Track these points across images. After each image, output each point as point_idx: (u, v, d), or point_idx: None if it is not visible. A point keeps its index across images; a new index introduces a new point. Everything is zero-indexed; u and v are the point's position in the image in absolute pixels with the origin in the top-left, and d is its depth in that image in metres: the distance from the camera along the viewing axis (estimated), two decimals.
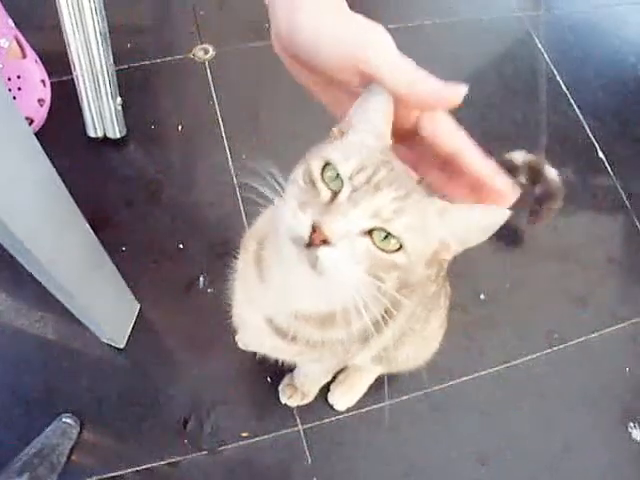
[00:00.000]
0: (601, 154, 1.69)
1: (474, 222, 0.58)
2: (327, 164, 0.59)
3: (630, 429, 1.35)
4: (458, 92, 0.56)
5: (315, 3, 0.61)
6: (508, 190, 0.59)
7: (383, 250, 0.56)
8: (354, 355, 0.82)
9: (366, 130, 0.60)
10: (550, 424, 1.34)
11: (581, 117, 1.74)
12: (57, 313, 1.26)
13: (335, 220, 0.54)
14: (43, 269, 0.92)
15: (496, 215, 0.57)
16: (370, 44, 0.59)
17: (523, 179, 1.37)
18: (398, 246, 0.56)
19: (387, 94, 0.58)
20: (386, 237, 0.56)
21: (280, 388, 1.26)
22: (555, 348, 1.41)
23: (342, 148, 0.60)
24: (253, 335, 0.88)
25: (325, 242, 0.54)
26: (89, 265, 1.08)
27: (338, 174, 0.57)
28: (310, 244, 0.55)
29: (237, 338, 1.22)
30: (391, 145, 0.61)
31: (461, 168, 0.60)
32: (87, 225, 1.03)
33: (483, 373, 1.36)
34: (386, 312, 0.64)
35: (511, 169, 1.35)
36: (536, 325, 1.43)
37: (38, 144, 0.82)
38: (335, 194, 0.57)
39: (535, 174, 1.36)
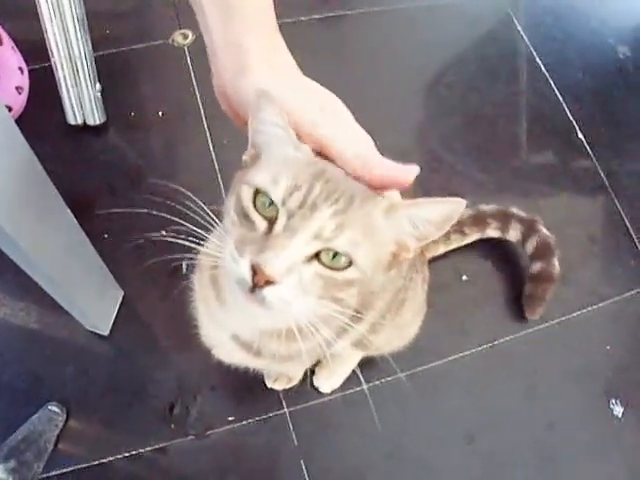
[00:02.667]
0: (581, 135, 1.70)
1: (426, 217, 0.55)
2: (258, 191, 0.55)
3: (612, 405, 1.37)
4: (410, 174, 0.55)
5: (266, 63, 0.59)
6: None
7: (335, 269, 0.54)
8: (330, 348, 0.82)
9: (281, 142, 0.57)
10: (534, 401, 1.35)
11: (561, 98, 1.75)
12: (41, 302, 1.26)
13: (274, 257, 0.52)
14: (25, 256, 0.92)
15: (450, 207, 0.54)
16: (328, 115, 0.57)
17: (518, 233, 1.41)
18: (349, 262, 0.54)
19: (275, 105, 0.55)
20: (335, 255, 0.54)
21: (265, 372, 1.26)
22: (538, 327, 1.42)
23: (268, 168, 0.57)
24: (222, 351, 0.86)
25: (269, 282, 0.52)
26: (72, 252, 1.07)
27: (272, 200, 0.54)
28: (255, 285, 0.53)
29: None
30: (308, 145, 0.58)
31: None
32: (69, 212, 1.02)
33: (467, 353, 1.38)
34: (356, 313, 0.64)
35: (504, 219, 1.40)
36: (518, 304, 1.44)
37: (18, 130, 0.81)
38: (272, 222, 0.54)
39: (529, 228, 1.40)
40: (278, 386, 1.26)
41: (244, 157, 0.62)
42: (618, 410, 1.36)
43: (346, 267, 0.54)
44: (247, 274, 0.53)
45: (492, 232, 1.41)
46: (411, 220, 0.56)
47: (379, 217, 0.56)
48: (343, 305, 0.58)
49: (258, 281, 0.52)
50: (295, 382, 1.26)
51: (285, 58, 0.62)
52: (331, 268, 0.54)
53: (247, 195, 0.56)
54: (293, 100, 0.57)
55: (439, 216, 0.55)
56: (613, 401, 1.37)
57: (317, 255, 0.54)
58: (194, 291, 0.82)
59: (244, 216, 0.56)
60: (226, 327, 0.77)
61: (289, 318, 0.60)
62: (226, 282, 0.69)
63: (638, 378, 1.41)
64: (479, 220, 1.39)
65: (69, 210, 1.02)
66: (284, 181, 0.54)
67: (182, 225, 0.60)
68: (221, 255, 0.57)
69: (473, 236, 1.40)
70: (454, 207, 0.54)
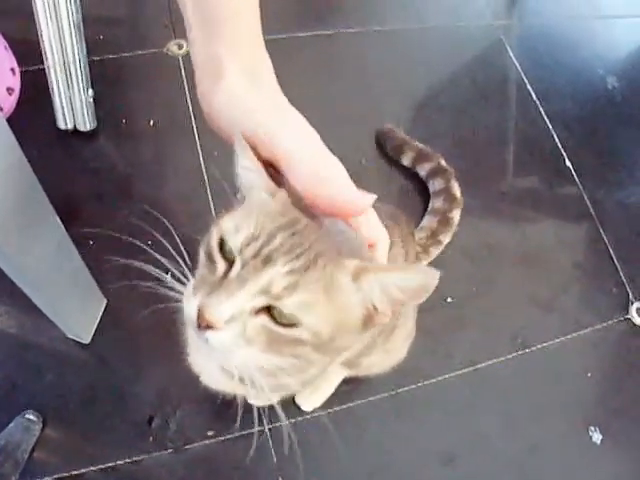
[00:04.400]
0: (568, 163, 1.72)
1: (399, 285, 0.53)
2: (222, 237, 0.55)
3: (591, 432, 1.37)
4: (364, 203, 0.55)
5: (241, 78, 0.57)
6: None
7: (283, 325, 0.52)
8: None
9: (253, 186, 0.57)
10: (514, 426, 1.35)
11: (550, 126, 1.77)
12: (21, 307, 1.24)
13: (218, 304, 0.51)
14: (10, 260, 0.90)
15: (424, 278, 0.52)
16: (294, 133, 0.56)
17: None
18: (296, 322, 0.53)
19: (243, 145, 0.55)
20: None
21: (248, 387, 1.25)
22: (520, 352, 1.43)
23: (238, 216, 0.56)
24: (210, 378, 0.86)
25: (210, 326, 0.51)
26: (57, 258, 1.06)
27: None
28: (199, 326, 0.52)
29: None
30: (286, 192, 0.57)
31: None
32: (57, 217, 1.01)
33: (448, 375, 1.38)
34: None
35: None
36: (502, 329, 1.45)
37: (10, 131, 0.81)
38: (230, 267, 0.54)
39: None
40: (259, 402, 1.25)
41: (238, 195, 0.61)
42: (597, 437, 1.37)
43: (294, 325, 0.53)
44: (193, 313, 0.52)
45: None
46: (382, 286, 0.53)
47: (345, 281, 0.54)
48: (303, 360, 0.57)
49: (200, 322, 0.52)
50: (275, 399, 1.25)
51: (265, 77, 0.60)
52: (280, 324, 0.53)
53: (214, 238, 0.56)
54: (260, 113, 0.56)
55: (413, 286, 0.53)
56: (592, 428, 1.38)
57: (269, 308, 0.52)
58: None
59: (209, 257, 0.56)
60: (213, 357, 0.76)
61: (231, 363, 0.58)
62: None
63: (617, 406, 1.42)
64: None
65: (57, 216, 1.01)
66: (245, 230, 0.53)
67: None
68: (184, 292, 0.56)
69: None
70: (428, 279, 0.51)
